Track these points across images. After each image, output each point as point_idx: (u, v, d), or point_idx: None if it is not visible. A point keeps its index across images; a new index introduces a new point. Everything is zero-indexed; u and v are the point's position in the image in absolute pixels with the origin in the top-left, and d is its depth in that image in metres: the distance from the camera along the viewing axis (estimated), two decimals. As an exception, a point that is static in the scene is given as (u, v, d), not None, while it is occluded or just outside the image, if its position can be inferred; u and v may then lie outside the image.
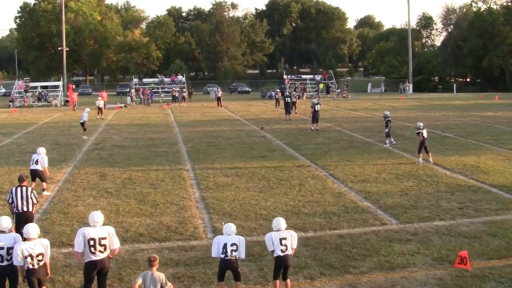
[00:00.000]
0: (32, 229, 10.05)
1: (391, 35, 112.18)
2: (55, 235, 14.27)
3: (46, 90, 73.10)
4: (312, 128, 35.75)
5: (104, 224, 10.41)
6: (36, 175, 19.15)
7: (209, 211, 16.55)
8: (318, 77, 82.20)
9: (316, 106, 35.91)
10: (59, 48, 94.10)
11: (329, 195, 18.46)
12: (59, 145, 31.13)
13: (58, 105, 66.69)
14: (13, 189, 13.78)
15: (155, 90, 71.91)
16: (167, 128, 38.61)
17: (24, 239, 9.98)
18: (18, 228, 12.57)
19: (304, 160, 24.89)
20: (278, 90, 62.94)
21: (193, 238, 14.16)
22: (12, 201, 13.57)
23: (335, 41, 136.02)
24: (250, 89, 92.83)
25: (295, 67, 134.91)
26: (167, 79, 77.16)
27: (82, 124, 34.42)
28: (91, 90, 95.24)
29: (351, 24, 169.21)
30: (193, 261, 12.38)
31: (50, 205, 17.72)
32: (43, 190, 19.19)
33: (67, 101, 65.87)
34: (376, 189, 19.23)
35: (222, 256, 10.27)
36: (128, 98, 68.00)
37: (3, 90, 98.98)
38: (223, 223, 11.63)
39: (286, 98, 44.61)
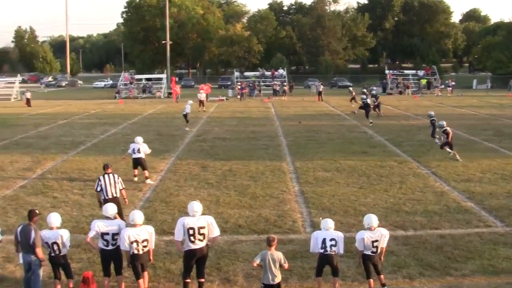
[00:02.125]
0: (138, 216, 10.41)
1: (498, 29, 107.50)
2: (157, 223, 14.69)
3: (151, 82, 75.39)
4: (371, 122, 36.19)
5: (202, 214, 10.60)
6: (138, 163, 19.92)
7: (308, 205, 16.54)
8: (421, 73, 79.96)
9: (366, 101, 37.36)
10: (163, 42, 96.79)
11: (430, 193, 17.99)
12: (162, 136, 32.05)
13: (162, 97, 68.62)
14: (101, 177, 14.35)
15: (256, 83, 72.37)
16: (268, 122, 38.86)
17: (130, 225, 10.36)
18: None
19: (406, 157, 24.37)
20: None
21: (291, 232, 14.21)
22: (101, 189, 14.15)
23: (439, 35, 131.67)
24: (351, 84, 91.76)
25: (397, 62, 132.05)
26: (268, 73, 77.56)
27: (185, 116, 35.43)
28: (193, 83, 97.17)
29: (456, 18, 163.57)
30: (291, 254, 12.40)
31: (153, 193, 18.28)
32: (146, 178, 19.86)
33: (170, 93, 67.65)
34: (481, 189, 18.54)
35: (321, 251, 10.25)
36: (230, 91, 68.99)
37: (110, 82, 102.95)
38: (321, 218, 11.59)
39: (364, 100, 40.71)
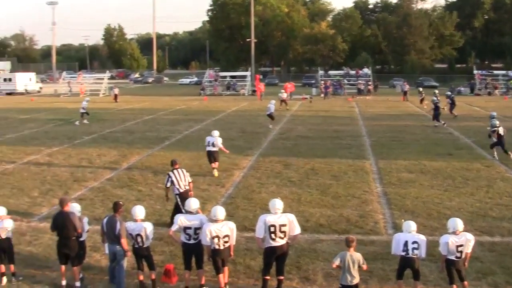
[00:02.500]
0: (220, 211, 10.52)
1: None
2: (239, 219, 14.82)
3: (235, 80, 76.16)
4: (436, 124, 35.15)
5: (284, 212, 10.59)
6: (212, 155, 20.83)
7: (391, 207, 16.30)
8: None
9: (437, 103, 36.05)
10: (248, 40, 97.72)
11: (520, 198, 17.35)
12: (246, 133, 32.35)
13: (246, 94, 69.21)
14: (170, 173, 14.70)
15: (342, 82, 71.65)
16: (352, 121, 38.52)
17: (212, 221, 10.50)
18: (182, 207, 13.48)
19: (493, 160, 23.57)
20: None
21: (373, 233, 14.04)
22: (172, 184, 14.53)
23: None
24: (437, 84, 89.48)
25: (486, 62, 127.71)
26: (352, 72, 76.78)
27: (270, 115, 35.54)
28: (277, 81, 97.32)
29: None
30: (372, 256, 12.25)
31: (235, 190, 18.49)
32: (213, 169, 20.64)
33: (254, 91, 68.10)
34: None
35: (403, 254, 10.06)
36: (314, 90, 68.78)
37: (195, 79, 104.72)
38: (403, 220, 11.39)
39: (435, 102, 38.49)
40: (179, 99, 62.85)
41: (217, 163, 20.79)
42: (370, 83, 69.34)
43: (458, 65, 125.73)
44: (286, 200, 15.67)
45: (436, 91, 45.85)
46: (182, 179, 14.66)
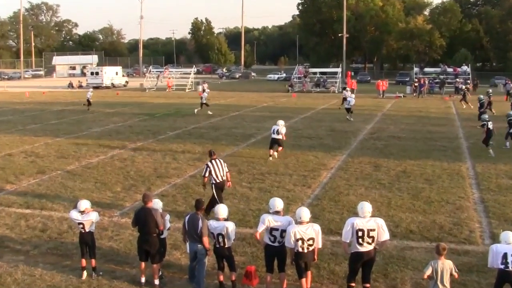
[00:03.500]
0: (305, 213, 10.40)
1: None
2: (325, 222, 14.74)
3: (325, 76, 75.82)
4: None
5: (372, 216, 10.43)
6: (275, 143, 23.35)
7: (488, 215, 15.75)
8: None
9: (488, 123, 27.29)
10: (339, 35, 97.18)
11: None
12: (335, 131, 32.16)
13: (336, 92, 68.78)
14: (209, 163, 15.49)
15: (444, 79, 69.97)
16: (448, 122, 37.58)
17: (297, 222, 10.43)
18: (218, 196, 15.21)
19: None
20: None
21: (467, 242, 13.62)
22: (210, 173, 15.26)
23: None
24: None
25: None
26: (450, 69, 74.76)
27: (347, 109, 38.07)
28: (369, 78, 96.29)
29: None
30: (466, 267, 11.89)
31: (322, 191, 18.39)
32: (275, 152, 23.49)
33: (344, 89, 67.64)
34: None
35: (501, 267, 9.65)
36: (408, 88, 67.54)
37: (284, 74, 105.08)
38: (502, 230, 10.96)
39: (481, 101, 38.98)
40: (266, 95, 63.23)
41: (280, 148, 23.50)
42: (469, 81, 67.31)
43: None
44: (375, 203, 15.47)
45: (490, 90, 44.68)
46: (220, 170, 15.37)
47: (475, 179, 20.32)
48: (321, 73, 78.32)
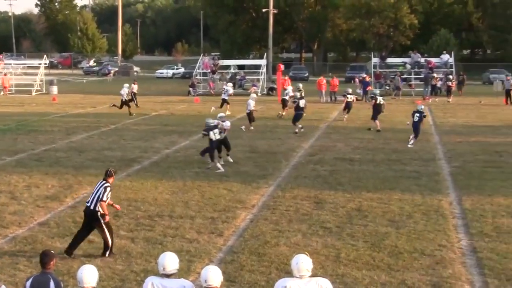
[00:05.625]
0: (214, 274, 10.26)
1: None
2: (244, 286, 14.80)
3: (243, 72, 76.21)
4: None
5: (313, 276, 10.49)
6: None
7: (483, 271, 16.11)
8: None
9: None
10: (264, 10, 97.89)
11: None
12: (257, 153, 32.38)
13: (259, 94, 69.13)
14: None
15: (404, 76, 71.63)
16: (421, 136, 38.28)
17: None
18: None
19: None
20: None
21: (454, 312, 13.94)
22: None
23: None
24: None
25: None
26: (423, 60, 76.41)
27: (248, 114, 40.32)
28: (307, 74, 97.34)
29: None
30: None
31: (239, 241, 18.44)
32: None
33: (272, 89, 68.10)
34: None
35: None
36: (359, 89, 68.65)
37: (182, 69, 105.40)
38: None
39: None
40: (156, 100, 63.29)
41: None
42: (452, 77, 68.92)
43: None
44: (317, 256, 15.64)
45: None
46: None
47: (463, 218, 20.81)
48: (238, 66, 78.76)
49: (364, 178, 26.64)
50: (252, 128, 39.97)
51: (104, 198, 16.84)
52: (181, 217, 20.55)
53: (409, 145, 33.81)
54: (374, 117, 39.63)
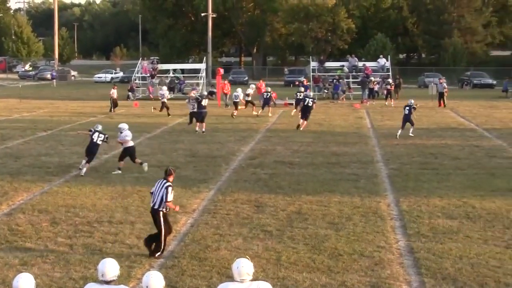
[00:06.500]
0: (155, 280, 10.30)
1: None
2: (184, 292, 14.76)
3: (182, 76, 76.08)
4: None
5: (254, 279, 10.54)
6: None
7: (420, 271, 16.30)
8: None
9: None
10: (203, 14, 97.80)
11: None
12: (197, 157, 32.37)
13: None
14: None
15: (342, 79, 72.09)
16: (360, 139, 38.68)
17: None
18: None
19: None
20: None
21: (393, 313, 14.04)
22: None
23: None
24: (494, 82, 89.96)
25: None
26: (360, 64, 77.01)
27: (235, 103, 41.16)
28: (246, 77, 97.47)
29: None
30: None
31: (180, 246, 18.40)
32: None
33: (212, 93, 68.12)
34: None
35: None
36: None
37: (121, 73, 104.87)
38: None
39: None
40: (94, 104, 62.78)
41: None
42: (389, 80, 69.57)
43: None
44: (258, 260, 15.66)
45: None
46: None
47: (400, 220, 21.04)
48: (177, 70, 78.59)
49: (303, 181, 26.78)
50: (235, 114, 42.68)
51: (169, 199, 17.20)
52: (120, 222, 20.45)
53: (397, 136, 38.47)
54: (302, 116, 43.21)
